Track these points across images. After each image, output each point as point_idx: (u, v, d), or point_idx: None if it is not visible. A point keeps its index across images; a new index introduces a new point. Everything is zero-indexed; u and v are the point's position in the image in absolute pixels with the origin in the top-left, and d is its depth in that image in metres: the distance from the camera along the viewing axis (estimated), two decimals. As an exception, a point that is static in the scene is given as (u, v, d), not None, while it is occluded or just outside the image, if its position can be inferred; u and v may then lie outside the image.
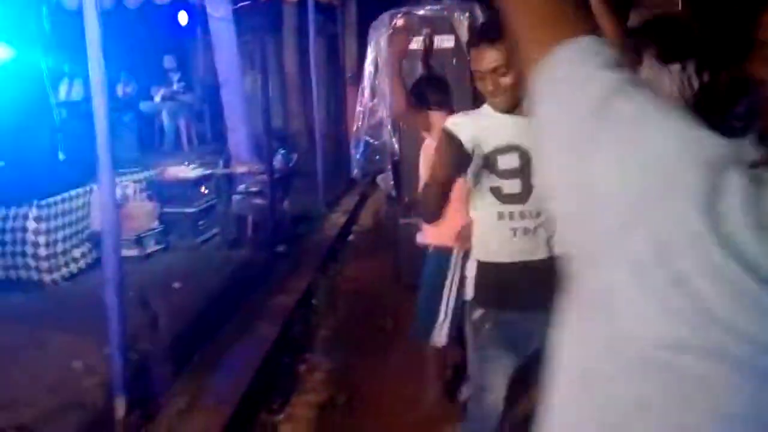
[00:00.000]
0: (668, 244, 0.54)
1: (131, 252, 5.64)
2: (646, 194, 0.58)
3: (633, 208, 0.58)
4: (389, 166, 4.62)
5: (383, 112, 4.52)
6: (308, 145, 10.42)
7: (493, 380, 2.30)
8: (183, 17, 10.68)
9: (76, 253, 5.60)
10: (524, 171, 2.16)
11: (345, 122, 10.22)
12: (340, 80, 10.95)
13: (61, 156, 6.24)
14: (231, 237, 6.33)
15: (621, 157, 0.61)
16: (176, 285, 5.15)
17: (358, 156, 4.55)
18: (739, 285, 0.50)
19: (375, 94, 4.49)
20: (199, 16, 9.66)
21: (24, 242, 5.22)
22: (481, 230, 2.31)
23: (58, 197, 5.46)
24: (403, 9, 4.31)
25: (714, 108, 2.61)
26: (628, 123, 0.63)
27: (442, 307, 3.25)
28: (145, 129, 10.13)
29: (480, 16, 4.29)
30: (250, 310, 4.64)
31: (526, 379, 3.08)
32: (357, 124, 4.53)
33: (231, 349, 3.98)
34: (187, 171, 6.65)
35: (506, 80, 2.11)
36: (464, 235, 3.02)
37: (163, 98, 10.36)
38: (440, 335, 3.25)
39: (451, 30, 4.29)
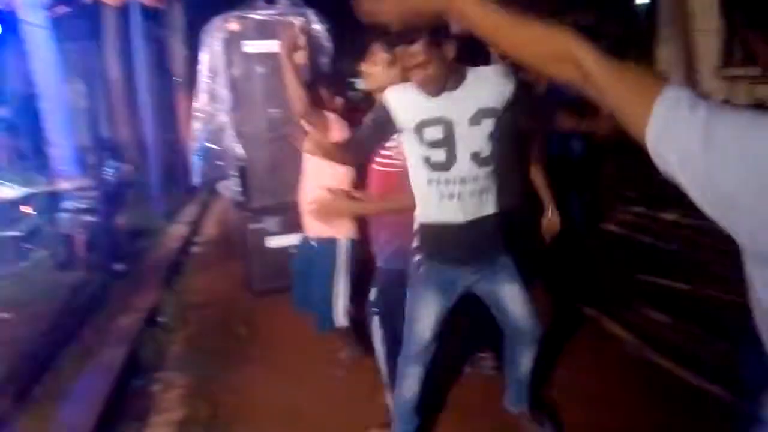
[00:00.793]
0: None
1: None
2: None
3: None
4: (233, 172, 4.55)
5: (223, 117, 4.44)
6: (139, 155, 9.97)
7: (421, 313, 2.63)
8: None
9: None
10: (449, 141, 2.40)
11: (177, 129, 9.90)
12: (169, 85, 10.56)
13: None
14: (61, 258, 5.90)
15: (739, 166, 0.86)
16: (4, 315, 4.73)
17: (199, 163, 4.43)
18: None
19: (213, 98, 4.41)
20: (10, 23, 8.90)
21: None
22: (417, 194, 2.56)
23: None
24: (237, 13, 4.26)
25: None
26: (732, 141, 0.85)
27: (337, 291, 3.54)
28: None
29: (315, 21, 4.33)
30: (92, 335, 4.38)
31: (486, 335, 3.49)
32: (195, 129, 4.41)
33: (76, 378, 3.73)
34: (7, 191, 6.11)
35: (429, 71, 2.28)
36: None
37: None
38: (342, 317, 3.57)
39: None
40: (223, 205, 7.90)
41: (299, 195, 3.67)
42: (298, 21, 4.31)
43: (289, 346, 4.15)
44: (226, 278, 5.42)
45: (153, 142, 7.80)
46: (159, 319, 4.70)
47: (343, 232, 3.54)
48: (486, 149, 2.43)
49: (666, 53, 8.67)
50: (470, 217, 2.50)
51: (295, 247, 3.96)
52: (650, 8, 9.12)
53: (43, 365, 3.92)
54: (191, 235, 7.06)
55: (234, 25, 4.20)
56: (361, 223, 3.50)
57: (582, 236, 5.39)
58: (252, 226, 4.62)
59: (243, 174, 4.54)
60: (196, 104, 4.42)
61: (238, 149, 4.45)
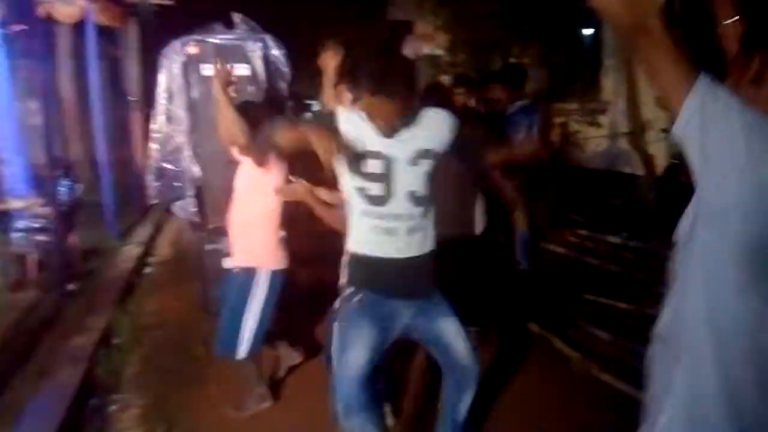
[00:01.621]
0: None
1: None
2: None
3: None
4: (188, 193, 4.60)
5: (180, 138, 4.50)
6: (93, 174, 9.86)
7: (354, 342, 2.51)
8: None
9: None
10: (387, 177, 2.45)
11: (131, 148, 9.84)
12: (124, 105, 10.51)
13: None
14: (12, 279, 5.82)
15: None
16: (-46, 335, 4.66)
17: (155, 183, 4.48)
18: None
19: (170, 119, 4.47)
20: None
21: None
22: (352, 224, 2.56)
23: None
24: (196, 36, 4.35)
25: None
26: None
27: (244, 322, 3.45)
28: None
29: (273, 46, 4.45)
30: (46, 355, 4.35)
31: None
32: (152, 150, 4.46)
33: (30, 398, 3.71)
34: (-44, 210, 6.02)
35: (397, 121, 2.40)
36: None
37: None
38: (244, 348, 3.47)
39: (246, 59, 4.40)
40: (176, 225, 7.88)
41: (228, 220, 3.67)
42: (256, 46, 4.42)
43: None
44: (181, 299, 5.43)
45: (106, 161, 7.75)
46: (113, 339, 4.70)
47: (266, 262, 3.53)
48: (422, 189, 2.50)
49: (610, 83, 9.03)
50: (405, 255, 2.52)
51: None
52: (595, 38, 9.49)
53: (-4, 386, 3.89)
54: (145, 256, 7.03)
55: (193, 49, 4.28)
56: (288, 253, 3.59)
57: (525, 261, 5.59)
58: (208, 246, 4.67)
59: (199, 194, 4.60)
60: (153, 125, 4.48)
61: (195, 170, 4.51)
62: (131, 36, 10.67)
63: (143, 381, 4.10)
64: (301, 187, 3.10)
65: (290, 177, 3.38)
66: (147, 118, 10.61)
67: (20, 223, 6.07)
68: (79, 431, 3.55)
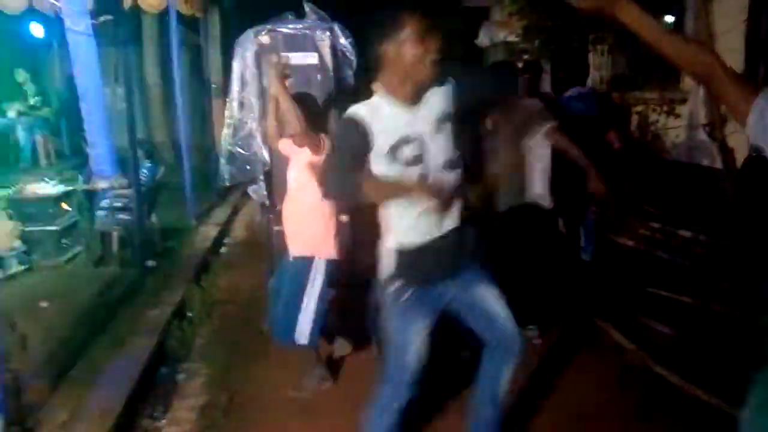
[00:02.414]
0: None
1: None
2: None
3: None
4: (261, 177, 4.79)
5: (252, 124, 4.69)
6: (173, 157, 10.31)
7: (406, 342, 2.51)
8: (37, 29, 10.24)
9: None
10: (423, 155, 2.38)
11: (211, 133, 10.21)
12: (205, 91, 10.91)
13: None
14: (96, 254, 6.21)
15: None
16: (44, 304, 5.03)
17: (228, 166, 4.69)
18: None
19: (243, 106, 4.66)
20: (54, 28, 9.32)
21: None
22: (394, 215, 2.49)
23: None
24: (267, 26, 4.51)
25: None
26: None
27: (302, 310, 3.51)
28: (-1, 145, 9.64)
29: (341, 35, 4.56)
30: (123, 325, 4.65)
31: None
32: (227, 135, 4.67)
33: (107, 364, 4.00)
34: (48, 188, 6.45)
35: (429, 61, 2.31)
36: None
37: (18, 113, 9.87)
38: (302, 335, 3.53)
39: (314, 47, 4.52)
40: (252, 209, 8.17)
41: (282, 213, 3.75)
42: (325, 35, 4.55)
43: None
44: (251, 277, 5.66)
45: (186, 145, 8.09)
46: (186, 313, 4.96)
47: (323, 252, 3.57)
48: (452, 153, 2.44)
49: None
50: (447, 228, 2.48)
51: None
52: (677, 26, 9.20)
53: (77, 351, 4.19)
54: (220, 236, 7.33)
55: (265, 38, 4.44)
56: (343, 244, 3.63)
57: (590, 251, 5.53)
58: (276, 228, 4.85)
59: (268, 178, 4.77)
60: (226, 111, 4.68)
61: (265, 155, 4.69)
62: (212, 24, 11.04)
63: (211, 352, 4.34)
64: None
65: None
66: (226, 105, 11.06)
67: (104, 202, 6.46)
68: (150, 395, 3.80)
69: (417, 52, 2.29)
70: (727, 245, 5.73)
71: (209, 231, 7.31)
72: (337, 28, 4.57)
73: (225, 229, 7.67)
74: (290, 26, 4.50)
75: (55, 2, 7.06)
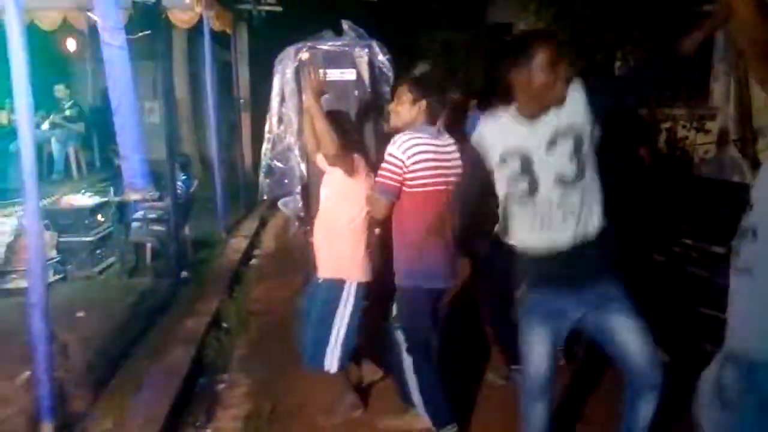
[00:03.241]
0: None
1: (25, 283, 5.51)
2: None
3: None
4: (297, 190, 4.85)
5: (290, 139, 4.76)
6: (200, 171, 10.44)
7: (532, 348, 2.59)
8: (71, 43, 10.45)
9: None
10: (530, 171, 2.47)
11: (239, 148, 10.33)
12: (232, 106, 11.05)
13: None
14: (130, 265, 6.30)
15: None
16: (80, 314, 5.12)
17: (266, 180, 4.75)
18: None
19: (282, 121, 4.73)
20: (89, 42, 9.52)
21: None
22: (513, 222, 2.59)
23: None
24: (308, 43, 4.57)
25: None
26: None
27: (333, 335, 3.41)
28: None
29: (379, 52, 4.62)
30: (160, 335, 4.71)
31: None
32: (266, 149, 4.73)
33: (147, 373, 4.05)
34: (84, 199, 6.56)
35: (558, 86, 2.41)
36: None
37: (52, 125, 10.06)
38: (332, 361, 3.43)
39: (352, 64, 4.58)
40: (280, 221, 8.23)
41: (314, 232, 3.66)
42: (363, 52, 4.61)
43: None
44: (285, 289, 5.71)
45: (218, 159, 8.20)
46: (222, 323, 5.02)
47: (353, 274, 3.46)
48: (569, 170, 2.42)
49: (720, 88, 8.73)
50: (564, 243, 2.46)
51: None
52: (706, 42, 9.18)
53: (116, 361, 4.25)
54: (251, 248, 7.41)
55: (305, 55, 4.51)
56: (374, 265, 3.51)
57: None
58: (312, 239, 4.90)
59: (305, 191, 4.83)
60: (266, 126, 4.75)
61: (303, 168, 4.75)
62: (241, 41, 11.18)
63: (250, 363, 4.38)
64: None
65: None
66: (254, 120, 11.19)
67: (139, 214, 6.57)
68: (191, 405, 3.84)
69: (547, 79, 2.39)
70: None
71: (240, 243, 7.39)
72: (375, 44, 4.63)
73: (254, 241, 7.75)
74: (329, 43, 4.56)
75: (92, 16, 7.20)
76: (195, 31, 9.37)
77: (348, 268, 3.45)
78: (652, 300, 5.20)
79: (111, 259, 6.44)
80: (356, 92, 4.62)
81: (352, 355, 3.61)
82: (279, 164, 4.74)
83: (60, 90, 10.19)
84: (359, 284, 3.45)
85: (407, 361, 3.29)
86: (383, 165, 3.14)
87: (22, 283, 5.63)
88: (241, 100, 10.80)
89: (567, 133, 2.42)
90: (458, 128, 3.96)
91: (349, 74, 4.60)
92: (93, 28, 8.12)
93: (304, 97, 4.16)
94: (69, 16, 8.63)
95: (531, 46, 2.41)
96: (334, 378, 3.59)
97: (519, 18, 11.54)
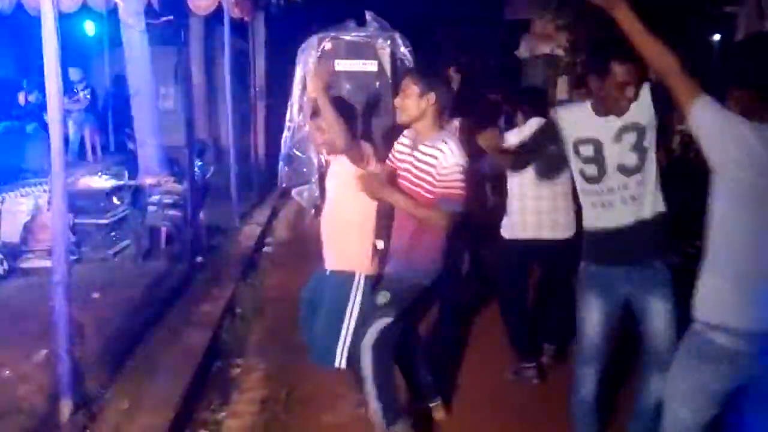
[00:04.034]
0: None
1: (44, 263, 5.56)
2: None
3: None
4: (313, 179, 4.87)
5: (309, 128, 4.79)
6: (215, 158, 10.48)
7: (585, 314, 2.82)
8: (89, 26, 10.49)
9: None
10: (598, 157, 2.71)
11: (254, 136, 10.37)
12: (247, 95, 11.08)
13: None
14: (144, 248, 6.34)
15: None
16: (96, 295, 5.16)
17: (285, 168, 4.78)
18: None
19: (302, 109, 4.75)
20: (107, 26, 9.55)
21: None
22: (582, 203, 2.86)
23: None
24: (331, 33, 4.60)
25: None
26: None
27: (344, 330, 3.26)
28: (49, 139, 9.84)
29: (401, 44, 4.64)
30: (176, 319, 4.74)
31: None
32: (286, 137, 4.77)
33: (163, 355, 4.09)
34: (100, 181, 6.61)
35: (629, 92, 2.62)
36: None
37: (69, 108, 10.10)
38: (342, 358, 3.27)
39: (375, 55, 4.61)
40: (292, 209, 8.27)
41: (321, 224, 3.50)
42: (385, 43, 4.63)
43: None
44: (300, 276, 5.68)
45: (234, 146, 8.23)
46: (237, 309, 5.05)
47: (362, 267, 3.32)
48: (632, 160, 2.68)
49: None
50: (618, 224, 2.73)
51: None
52: (724, 44, 9.16)
53: (133, 342, 4.29)
54: (263, 236, 7.44)
55: (328, 45, 4.54)
56: (381, 259, 3.35)
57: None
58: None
59: (323, 181, 4.86)
60: (287, 115, 4.78)
61: (321, 158, 4.77)
62: (259, 30, 11.20)
63: (265, 349, 4.41)
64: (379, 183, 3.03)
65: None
66: (269, 109, 11.21)
67: (155, 198, 6.60)
68: (207, 388, 3.88)
69: (617, 94, 2.61)
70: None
71: (253, 230, 7.43)
72: (398, 36, 4.65)
73: (267, 229, 7.79)
74: (353, 34, 4.60)
75: (115, -1, 7.24)
76: (213, 18, 9.39)
77: (357, 260, 3.32)
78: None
79: (125, 242, 6.47)
80: (378, 83, 4.65)
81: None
82: (298, 153, 4.78)
83: (74, 72, 10.22)
84: (368, 277, 3.31)
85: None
86: (460, 176, 2.93)
87: (39, 263, 5.72)
88: (257, 89, 10.82)
89: (632, 128, 2.67)
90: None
91: (371, 65, 4.63)
92: (111, 12, 8.16)
93: (309, 87, 4.03)
94: (88, -2, 8.65)
95: (608, 61, 2.60)
96: (343, 373, 3.45)
97: (539, 14, 11.51)
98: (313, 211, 5.26)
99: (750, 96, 2.23)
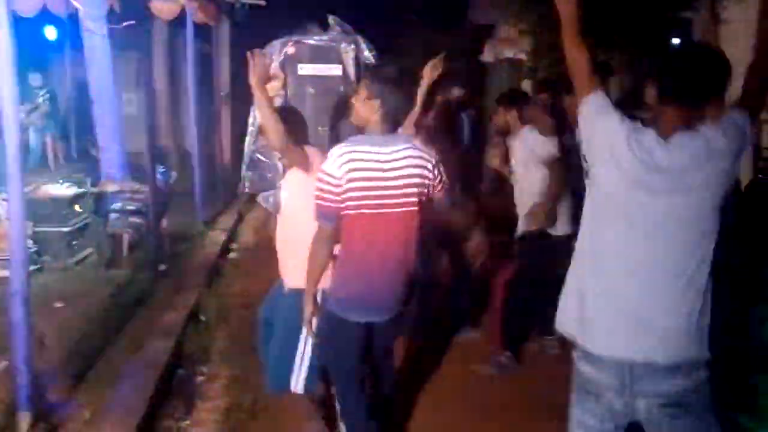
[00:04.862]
0: None
1: (3, 273, 5.44)
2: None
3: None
4: (279, 184, 4.85)
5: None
6: (179, 163, 10.37)
7: None
8: (50, 32, 10.31)
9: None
10: None
11: (219, 141, 10.28)
12: (212, 99, 10.98)
13: None
14: (107, 256, 6.24)
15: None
16: (57, 305, 5.07)
17: (249, 173, 4.76)
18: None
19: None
20: (68, 31, 9.39)
21: None
22: None
23: None
24: (294, 37, 4.60)
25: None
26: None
27: (299, 352, 3.09)
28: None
29: (365, 48, 4.66)
30: (139, 327, 4.69)
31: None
32: (248, 141, 4.75)
33: (126, 365, 4.03)
34: (62, 189, 6.48)
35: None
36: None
37: (29, 114, 9.93)
38: (299, 381, 3.10)
39: (339, 59, 4.63)
40: (258, 215, 8.20)
41: (276, 236, 3.29)
42: (349, 47, 4.64)
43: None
44: (265, 282, 5.67)
45: (198, 151, 8.13)
46: (201, 316, 5.00)
47: (322, 283, 2.91)
48: None
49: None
50: None
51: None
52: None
53: (95, 352, 4.23)
54: (229, 242, 7.37)
55: (291, 49, 4.54)
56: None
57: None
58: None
59: (288, 186, 4.84)
60: (250, 118, 4.76)
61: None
62: (223, 34, 11.11)
63: (230, 356, 4.37)
64: None
65: None
66: (234, 113, 11.14)
67: (116, 205, 6.51)
68: (171, 397, 3.83)
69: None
70: (735, 264, 5.80)
71: (218, 236, 7.36)
72: (361, 40, 4.67)
73: (233, 235, 7.71)
74: (315, 38, 4.61)
75: (74, 3, 7.12)
76: (176, 23, 9.29)
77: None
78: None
79: (88, 251, 6.37)
80: (341, 87, 4.66)
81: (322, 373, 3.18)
82: (262, 158, 4.76)
83: (34, 78, 10.04)
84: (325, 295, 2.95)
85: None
86: (317, 185, 2.68)
87: (-3, 273, 5.58)
88: (222, 94, 10.74)
89: None
90: (451, 130, 3.96)
91: (336, 69, 4.64)
92: (72, 16, 8.02)
93: (289, 89, 4.04)
94: (49, 2, 8.49)
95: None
96: (296, 404, 3.29)
97: (502, 19, 11.62)
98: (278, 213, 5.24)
99: (671, 108, 2.03)
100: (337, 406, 2.97)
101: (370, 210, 2.68)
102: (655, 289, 1.96)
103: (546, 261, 3.94)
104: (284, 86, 4.40)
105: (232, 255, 7.10)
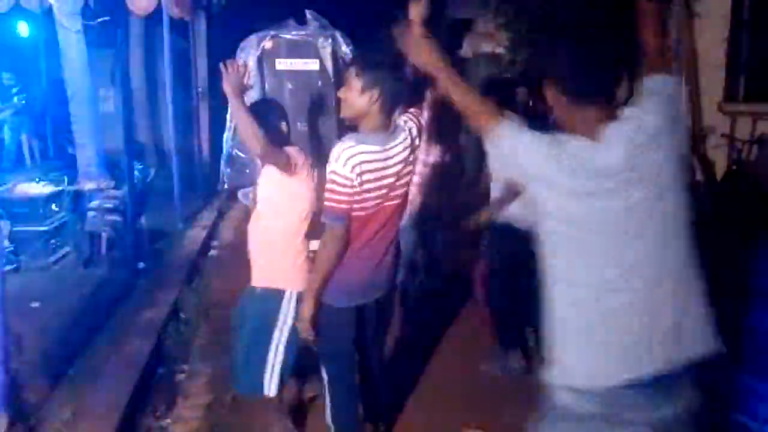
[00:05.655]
0: None
1: (-21, 273, 5.37)
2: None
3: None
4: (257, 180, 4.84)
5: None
6: (157, 160, 10.28)
7: None
8: (23, 28, 10.16)
9: None
10: None
11: (197, 137, 10.20)
12: (189, 95, 10.89)
13: None
14: (86, 255, 6.19)
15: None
16: (35, 305, 5.02)
17: (227, 169, 4.74)
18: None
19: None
20: (42, 27, 9.25)
21: None
22: None
23: None
24: (271, 32, 4.58)
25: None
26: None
27: (271, 354, 3.04)
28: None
29: (342, 42, 4.65)
30: (118, 326, 4.66)
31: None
32: (227, 137, 4.73)
33: (106, 363, 4.02)
34: (38, 187, 6.41)
35: None
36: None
37: (2, 112, 9.78)
38: (272, 384, 3.06)
39: (316, 54, 4.61)
40: (238, 212, 8.17)
41: (249, 236, 3.23)
42: (327, 42, 4.63)
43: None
44: (245, 280, 5.66)
45: (173, 148, 8.06)
46: (181, 314, 4.98)
47: (294, 283, 3.02)
48: None
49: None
50: None
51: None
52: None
53: (74, 351, 4.19)
54: (209, 239, 7.33)
55: (268, 44, 4.52)
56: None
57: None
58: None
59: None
60: (228, 114, 4.73)
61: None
62: (200, 29, 11.02)
63: (210, 354, 4.36)
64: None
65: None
66: (212, 109, 11.07)
67: (94, 203, 6.45)
68: (151, 395, 3.82)
69: None
70: (709, 257, 5.88)
71: (197, 234, 7.31)
72: (338, 35, 4.66)
73: (212, 232, 7.67)
74: (293, 32, 4.59)
75: (48, -1, 7.03)
76: (152, 18, 9.19)
77: (288, 276, 3.05)
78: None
79: (65, 249, 6.32)
80: (319, 83, 4.65)
81: (291, 372, 3.20)
82: (241, 154, 4.74)
83: (7, 77, 9.90)
84: (299, 294, 2.98)
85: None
86: (328, 186, 2.62)
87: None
88: (199, 90, 10.66)
89: None
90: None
91: (313, 64, 4.63)
92: (46, 12, 7.92)
93: (267, 85, 4.04)
94: (21, -2, 8.37)
95: None
96: (265, 404, 3.24)
97: (480, 14, 11.64)
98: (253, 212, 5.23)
99: (591, 108, 1.84)
100: (327, 399, 2.96)
101: (374, 207, 2.70)
102: (649, 295, 1.78)
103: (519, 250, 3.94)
104: (262, 81, 4.35)
105: (212, 253, 7.06)
